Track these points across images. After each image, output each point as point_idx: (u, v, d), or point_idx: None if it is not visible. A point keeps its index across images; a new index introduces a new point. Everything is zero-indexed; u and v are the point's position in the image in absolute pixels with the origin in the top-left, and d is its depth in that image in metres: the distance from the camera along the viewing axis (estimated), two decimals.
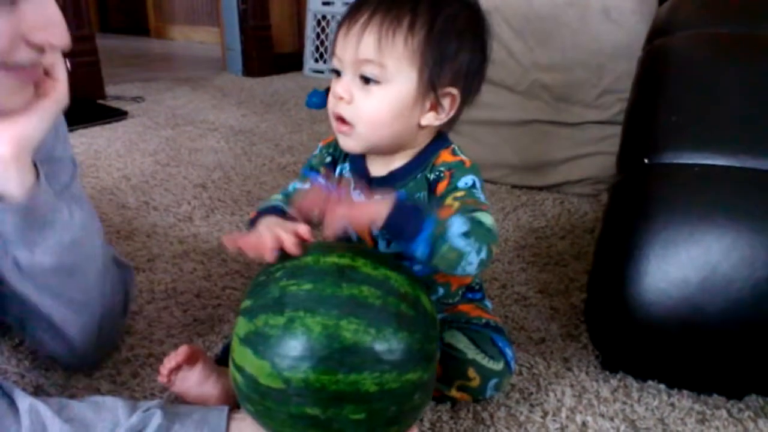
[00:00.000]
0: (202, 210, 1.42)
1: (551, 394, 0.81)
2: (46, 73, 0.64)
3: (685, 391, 0.81)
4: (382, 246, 0.76)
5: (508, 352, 0.78)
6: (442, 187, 0.72)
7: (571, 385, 0.83)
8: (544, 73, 1.49)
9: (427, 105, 0.71)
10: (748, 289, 0.72)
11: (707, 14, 1.04)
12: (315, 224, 0.74)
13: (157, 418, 0.62)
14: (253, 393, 0.58)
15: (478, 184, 0.71)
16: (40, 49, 0.60)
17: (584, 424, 0.76)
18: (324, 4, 3.03)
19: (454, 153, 0.75)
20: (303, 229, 0.64)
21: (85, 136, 1.97)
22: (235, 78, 3.05)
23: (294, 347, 0.55)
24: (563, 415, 0.77)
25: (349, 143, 0.73)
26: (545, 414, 0.78)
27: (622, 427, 0.75)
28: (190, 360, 0.73)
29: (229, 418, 0.64)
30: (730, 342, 0.75)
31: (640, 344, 0.81)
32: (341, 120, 0.71)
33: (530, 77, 1.50)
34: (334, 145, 0.81)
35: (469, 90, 0.74)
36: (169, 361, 0.72)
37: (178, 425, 0.63)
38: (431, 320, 0.63)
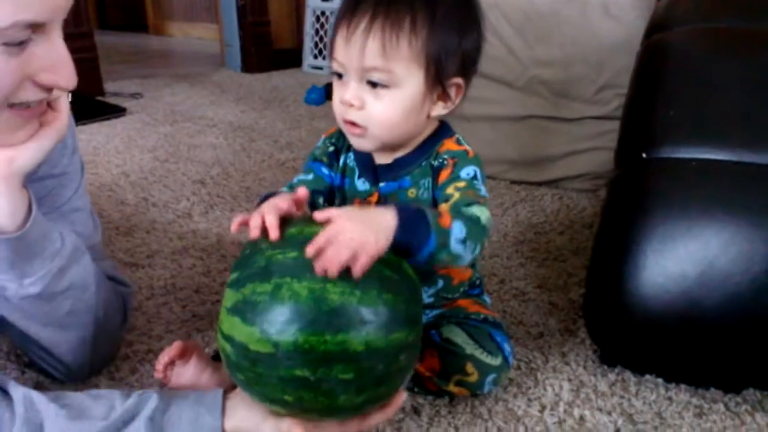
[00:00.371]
0: (201, 206, 1.42)
1: (549, 389, 0.81)
2: (49, 105, 0.64)
3: (682, 385, 0.82)
4: None
5: (506, 347, 0.78)
6: (444, 174, 0.72)
7: (569, 380, 0.83)
8: (543, 69, 1.49)
9: (435, 97, 0.72)
10: (746, 283, 0.72)
11: (705, 9, 1.04)
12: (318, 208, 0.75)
13: (153, 400, 0.63)
14: (243, 360, 0.60)
15: (479, 176, 0.72)
16: (47, 90, 0.60)
17: (582, 418, 0.76)
18: (323, 0, 3.02)
19: (458, 142, 0.75)
20: (302, 192, 0.66)
21: (83, 132, 1.97)
22: (233, 74, 3.05)
23: (282, 312, 0.57)
24: (561, 409, 0.78)
25: (364, 144, 0.73)
26: (543, 408, 0.78)
27: (620, 421, 0.76)
28: (185, 355, 0.73)
29: (224, 398, 0.65)
30: (728, 336, 0.75)
31: (637, 339, 0.81)
32: (353, 124, 0.71)
33: (529, 73, 1.50)
34: (337, 135, 0.81)
35: (471, 73, 0.74)
36: (163, 357, 0.72)
37: (175, 406, 0.63)
38: (414, 284, 0.64)
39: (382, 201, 0.76)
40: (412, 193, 0.75)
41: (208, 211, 1.39)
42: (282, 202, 0.64)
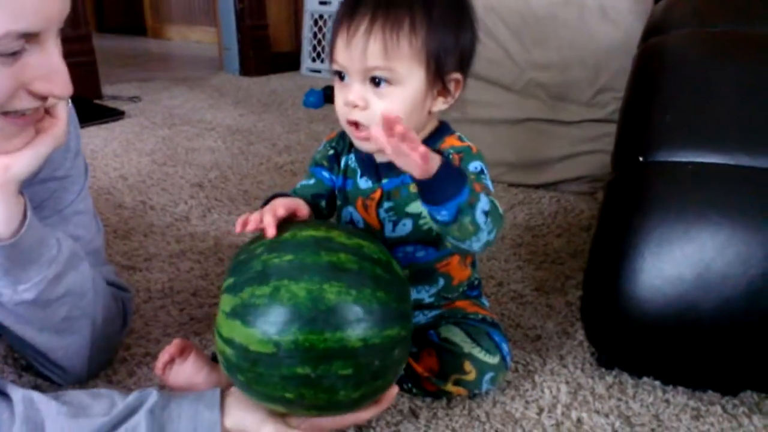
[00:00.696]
0: (199, 209, 1.42)
1: (546, 391, 0.81)
2: (47, 111, 0.64)
3: (680, 388, 0.82)
4: (388, 228, 0.77)
5: (504, 347, 0.79)
6: None
7: (567, 382, 0.83)
8: (541, 72, 1.49)
9: (435, 93, 0.73)
10: (743, 286, 0.73)
11: (702, 13, 1.05)
12: (323, 213, 0.80)
13: (153, 396, 0.64)
14: (243, 362, 0.61)
15: (485, 170, 0.73)
16: (42, 98, 0.60)
17: (579, 420, 0.76)
18: (321, 3, 3.03)
19: (460, 139, 0.77)
20: (302, 212, 0.70)
21: (82, 135, 1.95)
22: (232, 77, 3.05)
23: (282, 312, 0.59)
24: (559, 411, 0.78)
25: (370, 145, 0.72)
26: (540, 410, 0.78)
27: (617, 423, 0.76)
28: (183, 353, 0.74)
29: (222, 396, 0.66)
30: (725, 338, 0.75)
31: (635, 341, 0.81)
32: (356, 125, 0.71)
33: (526, 76, 1.51)
34: (337, 139, 0.82)
35: (468, 68, 0.75)
36: (164, 355, 0.74)
37: (174, 403, 0.64)
38: (403, 282, 0.67)
39: (384, 197, 0.77)
40: (413, 187, 0.76)
41: (206, 215, 1.39)
42: (280, 209, 0.67)
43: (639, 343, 0.81)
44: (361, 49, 0.67)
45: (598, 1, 1.44)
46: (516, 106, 1.53)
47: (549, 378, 0.84)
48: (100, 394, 0.65)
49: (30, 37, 0.55)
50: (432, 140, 0.77)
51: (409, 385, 0.79)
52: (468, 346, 0.76)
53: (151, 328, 0.95)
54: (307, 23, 3.10)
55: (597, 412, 0.78)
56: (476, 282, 0.87)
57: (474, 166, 0.73)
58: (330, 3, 2.99)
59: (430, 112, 0.74)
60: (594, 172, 1.47)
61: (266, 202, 0.72)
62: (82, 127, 2.21)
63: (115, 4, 5.16)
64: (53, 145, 0.64)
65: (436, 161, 0.62)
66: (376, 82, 0.69)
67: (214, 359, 0.77)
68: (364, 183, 0.78)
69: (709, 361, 0.78)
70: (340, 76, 0.71)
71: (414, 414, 0.77)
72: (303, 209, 0.71)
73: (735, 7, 1.05)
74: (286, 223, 0.68)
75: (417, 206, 0.75)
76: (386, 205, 0.76)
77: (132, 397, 0.64)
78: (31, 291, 0.67)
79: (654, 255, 0.76)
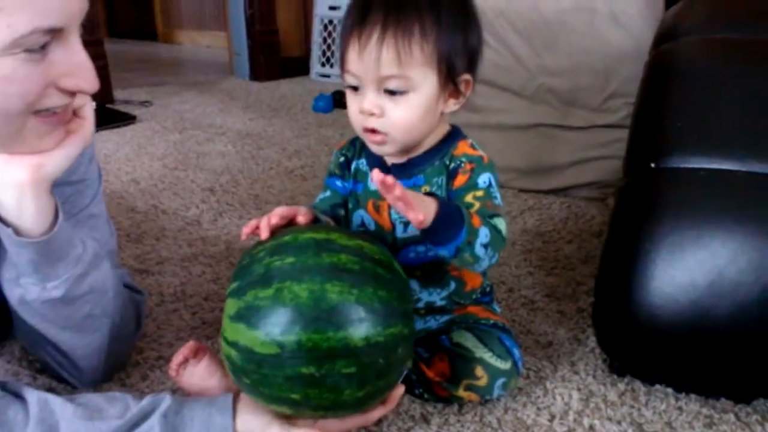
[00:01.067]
0: (210, 213, 1.42)
1: (558, 398, 0.81)
2: (74, 113, 0.66)
3: (692, 395, 0.81)
4: (399, 230, 0.78)
5: (516, 352, 0.79)
6: (462, 179, 0.74)
7: (579, 389, 0.83)
8: (551, 78, 1.49)
9: (447, 94, 0.74)
10: (756, 293, 0.72)
11: (714, 19, 1.04)
12: (340, 221, 0.81)
13: (166, 401, 0.65)
14: (248, 364, 0.62)
15: (494, 183, 0.75)
16: (71, 94, 0.61)
17: (591, 427, 0.76)
18: (331, 8, 3.04)
19: (473, 147, 0.77)
20: (302, 212, 0.71)
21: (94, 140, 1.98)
22: (242, 82, 3.07)
23: (285, 313, 0.60)
24: (570, 418, 0.78)
25: (386, 149, 0.75)
26: (552, 417, 0.78)
27: (630, 431, 0.75)
28: (197, 355, 0.76)
29: (235, 400, 0.67)
30: (738, 346, 0.75)
31: (647, 348, 0.81)
32: (374, 132, 0.72)
33: (537, 81, 1.51)
34: (348, 146, 0.84)
35: (477, 67, 0.76)
36: (177, 356, 0.75)
37: (187, 408, 0.65)
38: (405, 282, 0.68)
39: None
40: (425, 190, 0.77)
41: (217, 219, 1.40)
42: (274, 218, 0.69)
43: (651, 350, 0.80)
44: (374, 59, 0.68)
45: (609, 7, 1.43)
46: (526, 111, 1.53)
47: (560, 385, 0.84)
48: (115, 397, 0.66)
49: (55, 33, 0.57)
50: (444, 144, 0.77)
51: (421, 390, 0.79)
52: (479, 351, 0.77)
53: (163, 332, 0.96)
54: (316, 28, 3.11)
55: (609, 419, 0.78)
56: (488, 288, 0.87)
57: (483, 179, 0.74)
58: (339, 8, 3.00)
59: (441, 113, 0.76)
60: (604, 178, 1.47)
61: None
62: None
63: (126, 10, 5.21)
64: (82, 145, 0.66)
65: (431, 211, 0.64)
66: (390, 90, 0.70)
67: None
68: (374, 186, 0.79)
69: (722, 368, 0.78)
70: (353, 85, 0.72)
71: (425, 420, 0.77)
72: (302, 216, 0.72)
73: (747, 14, 1.04)
74: (286, 227, 0.69)
75: None
76: None
77: (146, 401, 0.65)
78: (60, 288, 0.68)
79: (666, 261, 0.76)
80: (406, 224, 0.77)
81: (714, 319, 0.74)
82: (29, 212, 0.63)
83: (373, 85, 0.70)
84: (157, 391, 0.81)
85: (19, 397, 0.63)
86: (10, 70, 0.55)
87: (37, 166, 0.63)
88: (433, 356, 0.78)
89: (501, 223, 0.71)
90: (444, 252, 0.67)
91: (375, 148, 0.75)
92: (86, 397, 0.66)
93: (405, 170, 0.77)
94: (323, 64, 3.14)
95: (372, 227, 0.80)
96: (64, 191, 0.75)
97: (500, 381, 0.76)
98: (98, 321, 0.75)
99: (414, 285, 0.80)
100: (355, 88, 0.72)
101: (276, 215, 0.70)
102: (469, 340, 0.78)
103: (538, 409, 0.79)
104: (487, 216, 0.70)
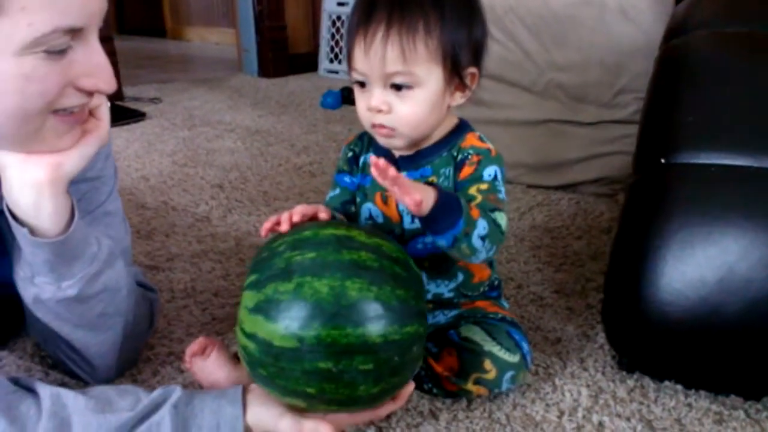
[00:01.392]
0: (219, 210, 1.43)
1: (567, 394, 0.81)
2: (91, 113, 0.67)
3: (702, 392, 0.81)
4: (407, 221, 0.79)
5: (525, 345, 0.79)
6: (467, 171, 0.75)
7: (588, 385, 0.83)
8: (560, 73, 1.49)
9: (453, 88, 0.75)
10: (766, 289, 0.72)
11: (724, 13, 1.04)
12: (351, 217, 0.82)
13: (177, 392, 0.65)
14: (266, 357, 0.62)
15: (500, 176, 0.75)
16: (89, 94, 0.62)
17: (601, 424, 0.76)
18: (339, 4, 3.04)
19: (481, 139, 0.78)
20: (322, 210, 0.72)
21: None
22: (250, 79, 3.07)
23: (305, 308, 0.60)
24: (579, 414, 0.78)
25: (395, 143, 0.76)
26: (561, 414, 0.78)
27: (639, 427, 0.75)
28: (205, 351, 0.77)
29: (244, 392, 0.67)
30: (748, 343, 0.75)
31: (656, 345, 0.80)
32: (382, 126, 0.73)
33: (546, 77, 1.50)
34: (356, 141, 0.85)
35: (482, 59, 0.77)
36: (193, 346, 0.77)
37: (198, 399, 0.65)
38: (420, 281, 0.69)
39: None
40: (432, 181, 0.77)
41: (227, 215, 1.40)
42: (296, 216, 0.70)
43: (661, 346, 0.80)
44: (379, 57, 0.69)
45: (619, 2, 1.42)
46: (535, 107, 1.52)
47: (569, 381, 0.84)
48: (126, 390, 0.67)
49: (75, 33, 0.57)
50: (452, 137, 0.78)
51: (430, 385, 0.79)
52: (488, 344, 0.77)
53: (174, 328, 0.97)
54: (324, 24, 3.11)
55: (618, 415, 0.78)
56: (496, 282, 0.88)
57: (489, 172, 0.74)
58: (348, 4, 3.00)
59: (448, 107, 0.76)
60: (613, 174, 1.46)
61: None
62: None
63: (135, 7, 5.23)
64: (98, 145, 0.67)
65: (430, 199, 0.64)
66: (396, 86, 0.70)
67: (235, 358, 0.78)
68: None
69: (732, 365, 0.78)
70: (360, 82, 0.73)
71: (434, 415, 0.77)
72: (323, 214, 0.73)
73: (757, 8, 1.04)
74: (306, 223, 0.70)
75: None
76: None
77: (156, 393, 0.65)
78: (74, 287, 0.69)
79: (676, 258, 0.75)
80: (414, 216, 0.78)
81: (724, 315, 0.73)
82: (47, 212, 0.64)
83: (379, 82, 0.71)
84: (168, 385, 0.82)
85: (31, 392, 0.64)
86: (30, 68, 0.55)
87: (55, 165, 0.63)
88: (442, 351, 0.79)
89: (501, 218, 0.71)
90: (442, 241, 0.68)
91: (384, 142, 0.76)
92: (98, 390, 0.66)
93: (412, 162, 0.78)
94: (331, 61, 3.14)
95: (380, 219, 0.80)
96: (80, 188, 0.76)
97: (509, 374, 0.77)
98: (111, 319, 0.75)
99: (422, 277, 0.80)
100: (362, 85, 0.73)
101: (298, 213, 0.70)
102: (477, 334, 0.78)
103: (547, 405, 0.79)
104: (488, 209, 0.71)
